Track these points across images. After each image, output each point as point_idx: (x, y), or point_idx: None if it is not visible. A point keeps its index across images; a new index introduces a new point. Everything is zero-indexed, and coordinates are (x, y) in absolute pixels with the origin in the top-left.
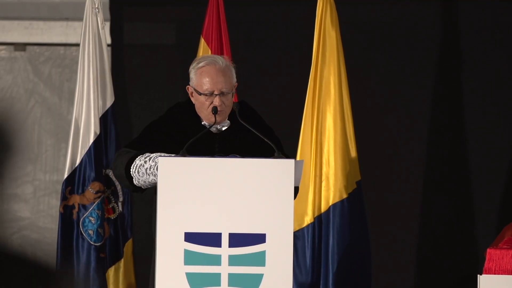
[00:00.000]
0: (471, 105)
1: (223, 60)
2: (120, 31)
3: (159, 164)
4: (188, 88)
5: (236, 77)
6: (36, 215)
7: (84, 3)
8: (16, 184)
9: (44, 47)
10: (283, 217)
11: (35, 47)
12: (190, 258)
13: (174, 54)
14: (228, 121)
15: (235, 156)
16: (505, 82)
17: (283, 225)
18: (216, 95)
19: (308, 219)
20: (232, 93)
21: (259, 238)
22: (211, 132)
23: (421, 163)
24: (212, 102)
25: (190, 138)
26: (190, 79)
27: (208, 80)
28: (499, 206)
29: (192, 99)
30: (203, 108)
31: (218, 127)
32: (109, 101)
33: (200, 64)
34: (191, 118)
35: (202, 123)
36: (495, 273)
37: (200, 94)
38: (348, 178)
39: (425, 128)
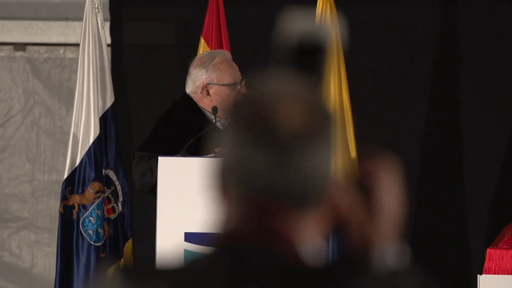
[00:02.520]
0: (468, 106)
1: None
2: (120, 31)
3: (159, 164)
4: (204, 87)
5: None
6: (35, 215)
7: (84, 3)
8: (14, 184)
9: (44, 47)
10: None
11: (35, 47)
12: (190, 258)
13: (174, 54)
14: None
15: None
16: (503, 83)
17: None
18: (239, 83)
19: None
20: None
21: None
22: (218, 129)
23: (421, 164)
24: (238, 92)
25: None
26: (205, 77)
27: (233, 71)
28: (494, 208)
29: (207, 97)
30: (227, 100)
31: (226, 124)
32: (109, 101)
33: (218, 59)
34: (196, 115)
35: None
36: (495, 273)
37: (229, 85)
38: (347, 178)
39: (424, 128)
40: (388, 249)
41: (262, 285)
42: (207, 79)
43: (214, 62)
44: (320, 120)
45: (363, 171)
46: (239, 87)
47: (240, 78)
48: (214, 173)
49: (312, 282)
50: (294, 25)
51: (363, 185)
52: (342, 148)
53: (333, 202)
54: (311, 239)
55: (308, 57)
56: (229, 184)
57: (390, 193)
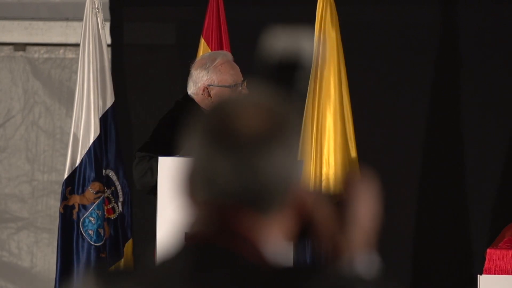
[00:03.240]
0: (469, 107)
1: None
2: (120, 31)
3: (159, 164)
4: (205, 88)
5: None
6: (34, 215)
7: (84, 3)
8: (14, 184)
9: (44, 47)
10: None
11: (35, 47)
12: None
13: (174, 54)
14: None
15: None
16: (504, 83)
17: None
18: (241, 84)
19: None
20: None
21: None
22: None
23: (421, 164)
24: (238, 93)
25: None
26: (206, 79)
27: (234, 73)
28: (493, 209)
29: (208, 99)
30: None
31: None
32: (109, 101)
33: (218, 60)
34: (199, 115)
35: None
36: (495, 273)
37: (230, 87)
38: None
39: (425, 128)
40: (358, 258)
41: (225, 286)
42: (208, 81)
43: (215, 64)
44: (281, 125)
45: (340, 183)
46: (240, 88)
47: (242, 79)
48: (181, 175)
49: (275, 283)
50: (276, 40)
51: (338, 197)
52: (342, 148)
53: (298, 204)
54: (275, 241)
55: (285, 72)
56: (193, 186)
57: (364, 206)
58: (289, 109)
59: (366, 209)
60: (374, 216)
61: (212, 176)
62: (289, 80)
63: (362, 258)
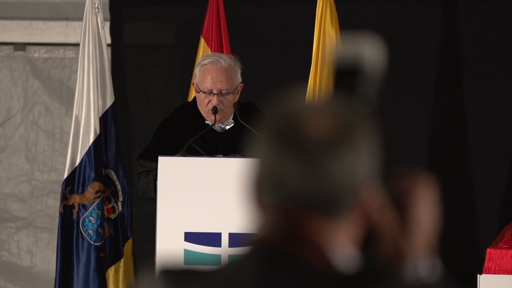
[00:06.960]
0: (471, 105)
1: (227, 60)
2: (120, 31)
3: (159, 164)
4: (193, 84)
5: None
6: (34, 215)
7: (84, 3)
8: (13, 184)
9: (44, 47)
10: None
11: (35, 47)
12: (190, 258)
13: (174, 54)
14: (233, 120)
15: (235, 156)
16: (505, 82)
17: None
18: (214, 94)
19: None
20: (234, 94)
21: None
22: (215, 131)
23: (422, 163)
24: (210, 101)
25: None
26: (195, 75)
27: (209, 79)
28: (500, 207)
29: (196, 95)
30: (202, 105)
31: (222, 126)
32: (109, 101)
33: (204, 62)
34: (196, 117)
35: (206, 122)
36: (495, 273)
37: (199, 91)
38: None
39: (426, 128)
40: (421, 262)
41: None
42: (195, 77)
43: (202, 63)
44: (349, 130)
45: (399, 188)
46: (214, 97)
47: (221, 88)
48: (249, 180)
49: None
50: (343, 47)
51: (399, 202)
52: None
53: (364, 209)
54: (342, 246)
55: (345, 77)
56: (261, 191)
57: (425, 210)
58: (357, 113)
59: (427, 212)
60: (434, 220)
61: (280, 181)
62: (351, 85)
63: (424, 262)
